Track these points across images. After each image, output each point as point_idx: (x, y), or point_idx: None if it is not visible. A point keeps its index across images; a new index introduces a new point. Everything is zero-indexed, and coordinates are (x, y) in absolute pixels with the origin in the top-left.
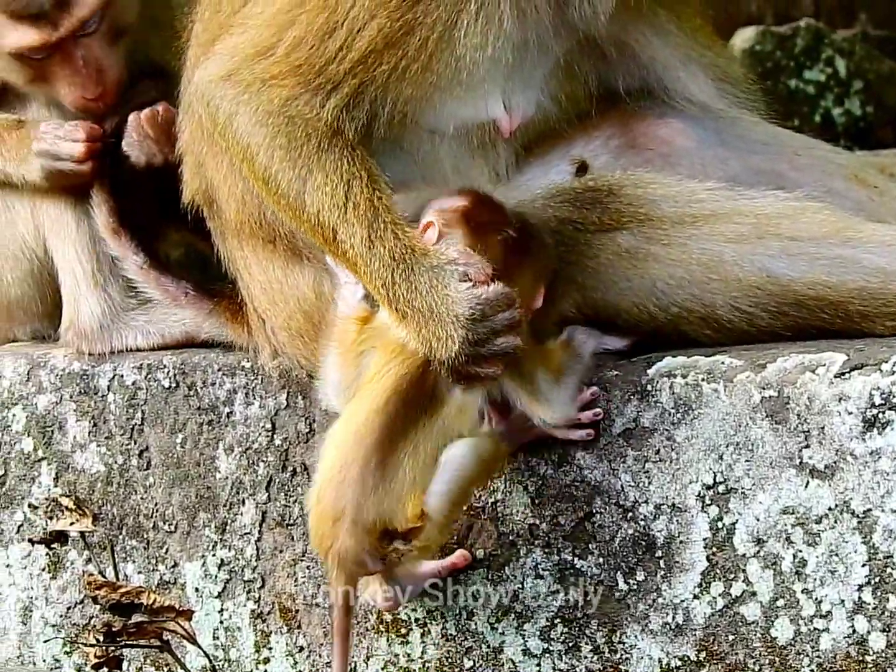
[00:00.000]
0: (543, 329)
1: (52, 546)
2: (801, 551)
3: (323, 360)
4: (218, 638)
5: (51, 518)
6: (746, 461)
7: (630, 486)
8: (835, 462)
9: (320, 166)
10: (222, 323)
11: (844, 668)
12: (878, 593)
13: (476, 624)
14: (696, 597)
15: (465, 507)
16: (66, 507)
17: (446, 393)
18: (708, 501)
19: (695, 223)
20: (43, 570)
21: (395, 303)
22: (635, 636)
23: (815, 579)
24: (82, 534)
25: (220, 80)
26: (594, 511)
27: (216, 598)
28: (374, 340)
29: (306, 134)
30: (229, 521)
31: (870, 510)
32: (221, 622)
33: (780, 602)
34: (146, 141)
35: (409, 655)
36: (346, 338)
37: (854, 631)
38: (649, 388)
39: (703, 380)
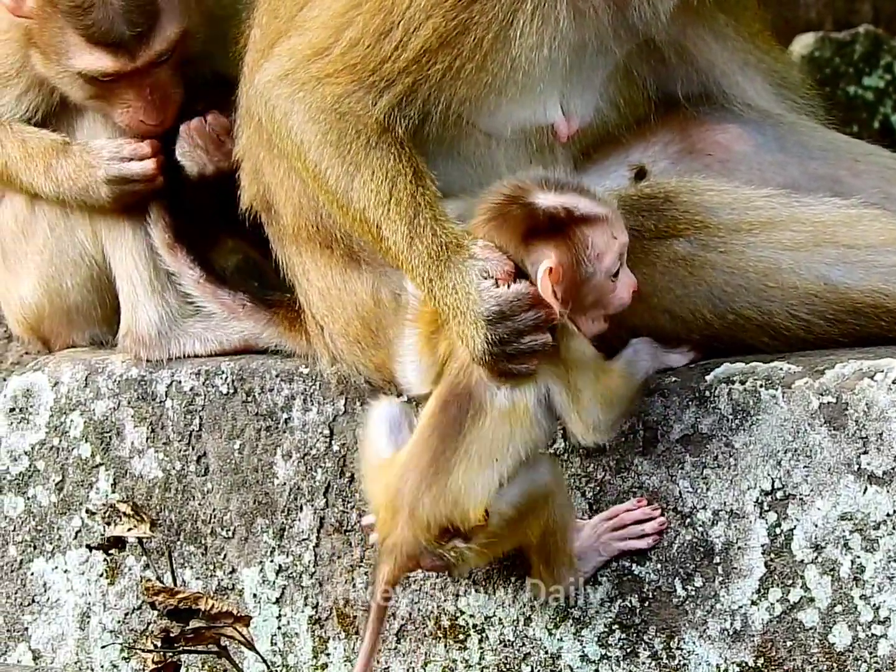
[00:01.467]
0: (607, 340)
1: (110, 552)
2: (858, 557)
3: (400, 343)
4: (276, 644)
5: (108, 524)
6: (805, 467)
7: (688, 491)
8: (893, 468)
9: (368, 163)
10: (280, 333)
11: None
12: None
13: (534, 630)
14: (754, 603)
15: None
16: (124, 513)
17: (485, 397)
18: (766, 507)
19: (752, 231)
20: (101, 575)
21: (434, 300)
22: (693, 642)
23: (872, 585)
24: (140, 539)
25: (277, 80)
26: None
27: (274, 603)
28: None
29: (356, 130)
30: (287, 527)
31: None
32: (279, 628)
33: (838, 608)
34: (196, 150)
35: (466, 661)
36: (424, 318)
37: None
38: (707, 394)
39: (761, 386)
